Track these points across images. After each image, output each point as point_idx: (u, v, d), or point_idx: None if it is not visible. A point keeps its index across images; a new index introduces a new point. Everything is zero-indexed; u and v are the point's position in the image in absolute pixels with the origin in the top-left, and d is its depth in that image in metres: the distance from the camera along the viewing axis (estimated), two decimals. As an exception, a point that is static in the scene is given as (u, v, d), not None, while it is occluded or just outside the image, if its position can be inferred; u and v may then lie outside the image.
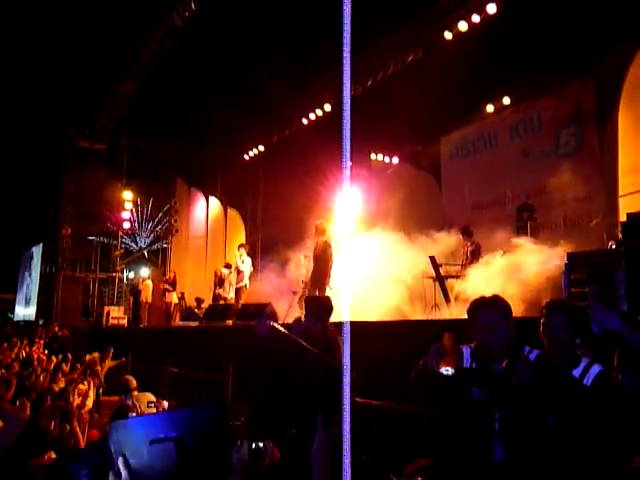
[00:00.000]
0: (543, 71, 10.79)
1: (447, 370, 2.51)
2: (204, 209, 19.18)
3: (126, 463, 1.33)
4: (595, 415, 2.39)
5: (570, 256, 5.28)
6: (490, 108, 12.42)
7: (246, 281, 11.86)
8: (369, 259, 10.21)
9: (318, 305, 4.10)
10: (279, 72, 11.71)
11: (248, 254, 12.27)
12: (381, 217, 12.52)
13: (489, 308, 2.77)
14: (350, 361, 1.21)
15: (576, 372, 2.58)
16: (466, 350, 2.86)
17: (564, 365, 2.60)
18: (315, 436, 1.79)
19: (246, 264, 11.90)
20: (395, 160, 14.96)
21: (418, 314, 9.73)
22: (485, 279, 8.62)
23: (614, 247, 5.53)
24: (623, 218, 5.80)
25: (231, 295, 12.38)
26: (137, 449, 1.37)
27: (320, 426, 1.79)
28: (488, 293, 2.94)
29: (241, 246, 12.55)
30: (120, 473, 1.33)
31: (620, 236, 5.13)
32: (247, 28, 11.67)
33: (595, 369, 2.56)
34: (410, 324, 8.21)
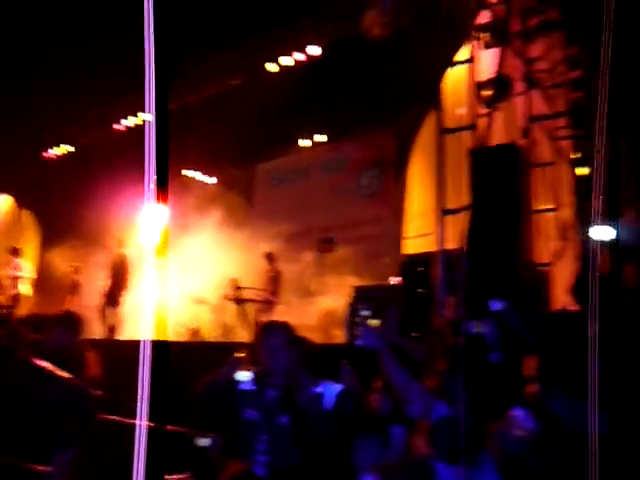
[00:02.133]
0: (355, 116, 11.70)
1: (245, 375, 2.75)
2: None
3: None
4: (337, 433, 2.63)
5: (356, 289, 5.75)
6: (305, 143, 13.07)
7: (22, 289, 10.85)
8: (172, 276, 9.97)
9: (70, 319, 3.97)
10: (93, 71, 11.07)
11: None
12: (189, 235, 12.37)
13: (275, 332, 2.91)
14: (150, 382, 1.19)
15: (318, 390, 2.82)
16: (250, 373, 2.96)
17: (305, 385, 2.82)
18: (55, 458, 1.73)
19: (22, 270, 10.92)
20: (211, 180, 14.91)
21: (218, 336, 9.74)
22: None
23: (395, 283, 6.14)
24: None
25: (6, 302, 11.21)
26: None
27: (59, 448, 1.74)
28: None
29: (13, 252, 11.43)
30: None
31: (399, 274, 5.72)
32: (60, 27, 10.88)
33: (335, 389, 2.83)
34: (209, 346, 8.20)
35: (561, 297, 5.59)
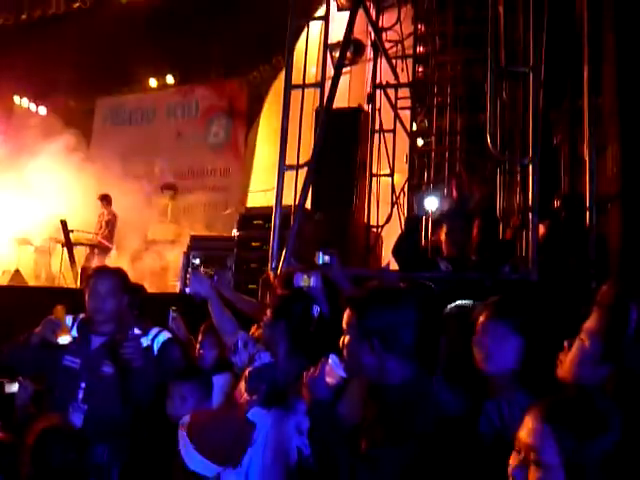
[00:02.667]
0: (208, 62, 11.32)
1: (65, 339, 2.61)
2: None
3: None
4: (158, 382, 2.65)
5: (192, 238, 5.70)
6: (153, 83, 12.38)
7: None
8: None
9: None
10: None
11: None
12: (18, 168, 11.26)
13: (103, 277, 2.81)
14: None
15: (145, 339, 2.82)
16: (77, 320, 2.84)
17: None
18: None
19: None
20: (42, 110, 13.57)
21: (40, 280, 9.10)
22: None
23: (233, 235, 6.16)
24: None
25: None
26: None
27: None
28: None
29: None
30: None
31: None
32: None
33: (163, 337, 2.85)
34: (29, 291, 7.61)
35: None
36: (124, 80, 12.13)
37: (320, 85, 3.92)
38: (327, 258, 2.86)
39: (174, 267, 8.10)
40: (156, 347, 2.79)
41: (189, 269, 2.82)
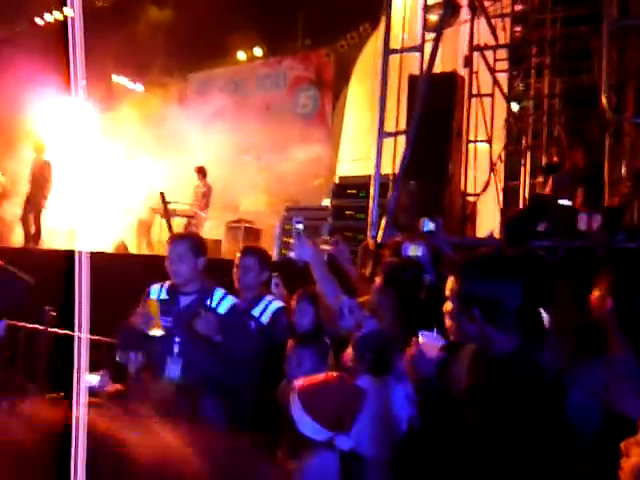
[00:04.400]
0: (294, 33, 11.34)
1: (156, 332, 2.75)
2: None
3: None
4: (269, 348, 2.72)
5: (287, 209, 5.78)
6: (242, 56, 12.57)
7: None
8: (99, 185, 9.65)
9: None
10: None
11: None
12: (119, 143, 11.85)
13: (177, 241, 2.93)
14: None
15: (256, 310, 2.90)
16: (164, 285, 2.98)
17: (247, 304, 2.89)
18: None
19: None
20: (139, 87, 14.16)
21: (142, 249, 9.60)
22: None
23: (326, 205, 6.21)
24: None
25: None
26: None
27: None
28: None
29: None
30: None
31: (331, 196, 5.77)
32: None
33: (275, 306, 2.92)
34: (131, 258, 8.06)
35: (486, 226, 5.87)
36: (214, 55, 12.38)
37: (419, 49, 3.79)
38: (432, 225, 2.81)
39: (266, 236, 8.31)
40: (268, 315, 2.88)
41: (294, 234, 2.84)
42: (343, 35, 11.29)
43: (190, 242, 2.91)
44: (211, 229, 9.29)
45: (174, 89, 12.85)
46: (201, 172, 9.09)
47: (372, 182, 3.77)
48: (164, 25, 11.34)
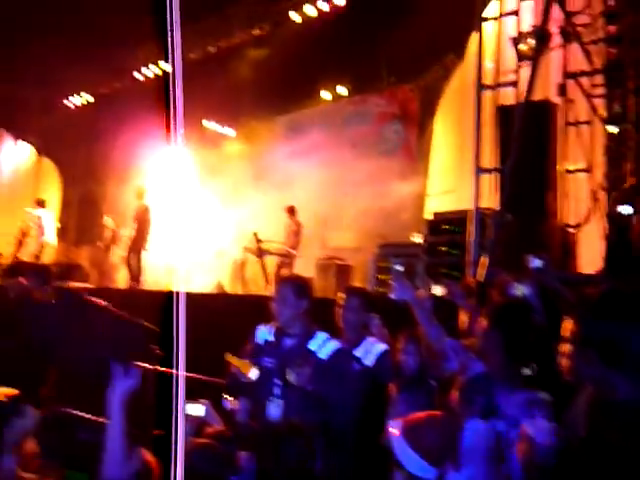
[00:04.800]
0: (378, 70, 11.49)
1: (253, 373, 2.82)
2: (12, 154, 17.25)
3: None
4: (371, 390, 2.70)
5: (380, 246, 5.75)
6: (327, 95, 12.87)
7: (49, 237, 11.03)
8: (194, 228, 10.11)
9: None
10: (117, 19, 10.89)
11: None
12: (211, 186, 12.40)
13: (281, 284, 2.99)
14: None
15: (358, 351, 2.89)
16: (271, 326, 3.05)
17: (350, 344, 2.89)
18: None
19: (46, 219, 11.08)
20: (229, 131, 14.83)
21: (237, 288, 9.89)
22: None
23: (419, 241, 6.12)
24: (428, 216, 6.45)
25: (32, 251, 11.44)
26: None
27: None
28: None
29: (38, 203, 11.57)
30: None
31: (425, 232, 5.70)
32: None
33: (379, 348, 2.89)
34: (229, 298, 8.33)
35: (587, 259, 5.56)
36: (300, 96, 12.76)
37: (514, 83, 3.72)
38: (539, 262, 2.70)
39: (356, 272, 8.31)
40: (372, 358, 2.86)
41: (393, 275, 2.84)
42: (427, 68, 11.31)
43: (294, 285, 2.95)
44: (301, 267, 9.42)
45: (263, 132, 13.35)
46: (291, 211, 9.31)
47: (470, 219, 3.69)
48: (251, 72, 11.87)
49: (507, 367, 2.38)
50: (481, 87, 3.79)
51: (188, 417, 2.52)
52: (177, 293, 1.22)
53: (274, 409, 2.85)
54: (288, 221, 9.31)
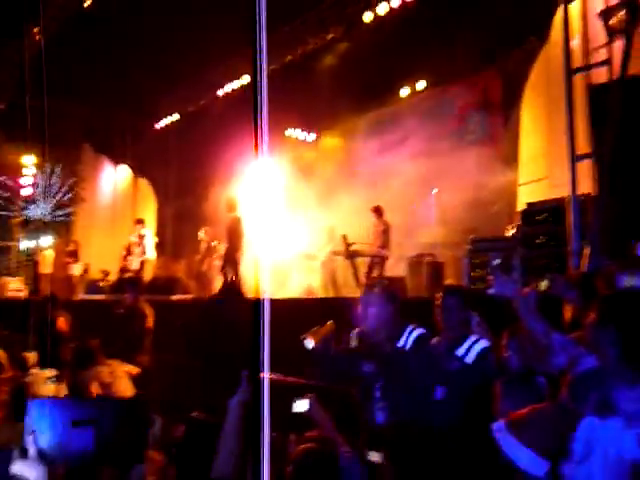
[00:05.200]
0: (456, 59, 11.23)
1: (309, 342, 2.92)
2: (112, 177, 18.47)
3: (35, 441, 1.34)
4: (474, 388, 2.65)
5: (472, 241, 5.61)
6: (405, 92, 12.76)
7: (150, 254, 11.67)
8: (283, 235, 10.34)
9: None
10: (197, 40, 11.36)
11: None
12: (296, 193, 12.63)
13: (367, 291, 3.04)
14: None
15: (460, 350, 2.86)
16: (354, 332, 3.11)
17: (449, 344, 2.87)
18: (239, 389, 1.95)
19: (146, 236, 11.75)
20: (311, 137, 15.05)
21: (329, 292, 10.00)
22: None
23: (512, 234, 5.92)
24: (521, 206, 6.23)
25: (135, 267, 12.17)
26: (52, 429, 1.38)
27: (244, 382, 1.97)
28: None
29: (138, 222, 12.30)
30: (26, 450, 1.33)
31: (518, 223, 5.50)
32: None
33: (481, 345, 2.84)
34: (320, 302, 8.44)
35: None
36: (379, 95, 12.72)
37: (607, 62, 3.53)
38: (650, 250, 2.55)
39: (448, 269, 8.16)
40: (473, 355, 2.84)
41: (492, 270, 2.79)
42: (508, 53, 10.94)
43: (380, 290, 3.01)
44: (392, 267, 9.38)
45: (343, 134, 13.44)
46: (377, 211, 9.29)
47: (567, 207, 3.54)
48: (328, 76, 11.97)
49: (623, 362, 2.27)
50: (571, 69, 3.61)
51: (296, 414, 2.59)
52: (262, 300, 1.29)
53: (378, 413, 2.89)
54: (375, 221, 9.30)
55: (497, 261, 2.68)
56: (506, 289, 2.62)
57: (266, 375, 1.32)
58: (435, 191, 11.31)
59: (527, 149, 9.48)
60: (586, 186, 4.49)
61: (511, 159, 10.00)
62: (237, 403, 1.96)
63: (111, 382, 4.21)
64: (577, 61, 4.15)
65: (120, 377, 4.41)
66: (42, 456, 1.38)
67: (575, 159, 3.56)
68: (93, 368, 4.46)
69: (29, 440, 1.36)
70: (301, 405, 2.58)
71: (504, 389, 2.57)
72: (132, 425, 1.51)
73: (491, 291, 2.68)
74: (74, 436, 1.40)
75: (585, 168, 4.32)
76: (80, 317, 9.52)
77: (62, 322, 8.14)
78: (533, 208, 5.23)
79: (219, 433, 2.39)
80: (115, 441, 1.44)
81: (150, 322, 5.83)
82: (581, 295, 2.80)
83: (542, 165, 8.22)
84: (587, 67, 3.62)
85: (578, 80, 4.40)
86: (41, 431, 1.38)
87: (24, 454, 1.37)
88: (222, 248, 9.93)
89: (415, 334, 2.95)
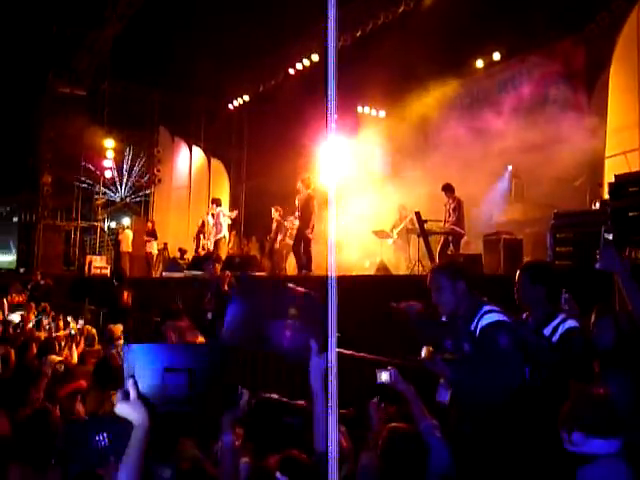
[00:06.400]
0: (534, 28, 10.66)
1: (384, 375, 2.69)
2: (187, 159, 18.98)
3: (135, 384, 1.41)
4: (560, 368, 2.53)
5: (556, 215, 5.34)
6: (480, 63, 12.28)
7: (225, 232, 11.90)
8: (355, 213, 10.29)
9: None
10: (266, 20, 11.39)
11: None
12: (369, 171, 12.53)
13: (432, 273, 2.94)
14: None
15: (547, 329, 2.73)
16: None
17: (536, 323, 2.74)
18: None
19: (222, 216, 11.97)
20: (382, 113, 14.82)
21: (401, 269, 9.87)
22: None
23: (599, 207, 5.60)
24: (608, 179, 5.86)
25: (210, 245, 12.48)
26: (151, 374, 1.44)
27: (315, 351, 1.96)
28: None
29: (214, 201, 12.53)
30: (128, 393, 1.40)
31: (606, 197, 5.18)
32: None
33: (567, 325, 2.71)
34: (393, 279, 8.34)
35: None
36: (451, 68, 12.28)
37: None
38: None
39: (527, 246, 7.85)
40: (558, 333, 2.71)
41: (602, 244, 2.65)
42: (592, 18, 10.27)
43: (444, 271, 2.91)
44: (468, 244, 9.14)
45: (414, 110, 13.12)
46: (448, 189, 9.03)
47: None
48: (397, 52, 11.66)
49: None
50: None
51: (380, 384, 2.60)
52: (331, 277, 1.27)
53: (443, 392, 2.84)
54: (446, 199, 9.06)
55: (610, 235, 2.53)
56: (613, 264, 2.50)
57: (333, 352, 1.31)
58: (510, 168, 10.87)
59: (615, 120, 8.90)
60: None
61: (597, 131, 9.42)
62: (320, 370, 1.98)
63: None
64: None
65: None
66: (142, 399, 1.44)
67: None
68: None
69: (129, 383, 1.43)
70: (384, 376, 2.60)
71: (599, 368, 2.44)
72: (221, 377, 1.62)
73: (597, 265, 2.57)
74: (169, 380, 1.46)
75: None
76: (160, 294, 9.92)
77: (126, 296, 8.56)
78: (622, 180, 4.89)
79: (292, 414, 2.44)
80: (208, 389, 1.52)
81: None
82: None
83: (631, 136, 7.72)
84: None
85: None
86: (139, 375, 1.45)
87: (127, 397, 1.43)
88: (294, 226, 10.00)
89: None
